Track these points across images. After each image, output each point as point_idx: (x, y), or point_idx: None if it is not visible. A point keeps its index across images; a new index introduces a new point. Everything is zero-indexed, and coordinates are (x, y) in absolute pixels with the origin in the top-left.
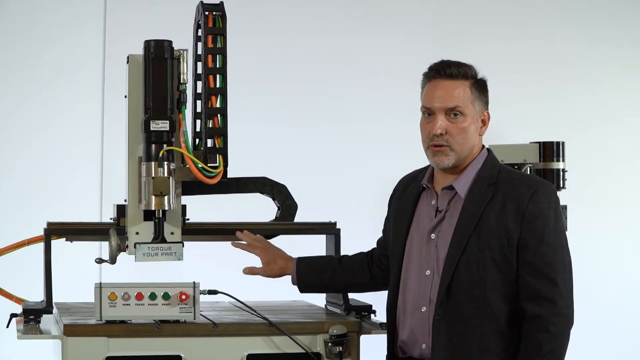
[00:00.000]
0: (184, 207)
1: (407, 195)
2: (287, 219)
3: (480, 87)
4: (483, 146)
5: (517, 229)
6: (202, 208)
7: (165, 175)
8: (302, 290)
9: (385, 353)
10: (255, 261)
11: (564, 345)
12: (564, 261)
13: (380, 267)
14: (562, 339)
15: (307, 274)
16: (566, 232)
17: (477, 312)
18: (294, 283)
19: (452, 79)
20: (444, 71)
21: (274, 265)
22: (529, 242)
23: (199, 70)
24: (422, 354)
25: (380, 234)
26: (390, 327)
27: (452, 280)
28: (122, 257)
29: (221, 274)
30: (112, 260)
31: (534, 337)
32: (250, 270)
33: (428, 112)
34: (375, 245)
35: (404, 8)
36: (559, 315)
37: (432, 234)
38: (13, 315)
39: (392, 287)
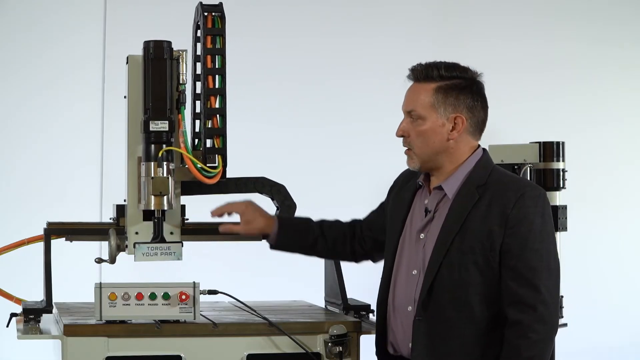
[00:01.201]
0: (183, 207)
1: (404, 192)
2: None
3: (448, 89)
4: (479, 146)
5: (501, 234)
6: (202, 208)
7: (165, 175)
8: (274, 249)
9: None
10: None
11: (544, 352)
12: (549, 267)
13: (363, 245)
14: (543, 345)
15: (288, 238)
16: (561, 232)
17: (459, 315)
18: (270, 242)
19: (418, 81)
20: (411, 74)
21: (255, 224)
22: (512, 247)
23: (198, 71)
24: (409, 353)
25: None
26: (380, 323)
27: (434, 282)
28: (121, 257)
29: (221, 274)
30: (112, 260)
31: (514, 343)
32: (228, 229)
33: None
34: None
35: (404, 8)
36: (540, 322)
37: (421, 234)
38: (13, 315)
39: (383, 284)
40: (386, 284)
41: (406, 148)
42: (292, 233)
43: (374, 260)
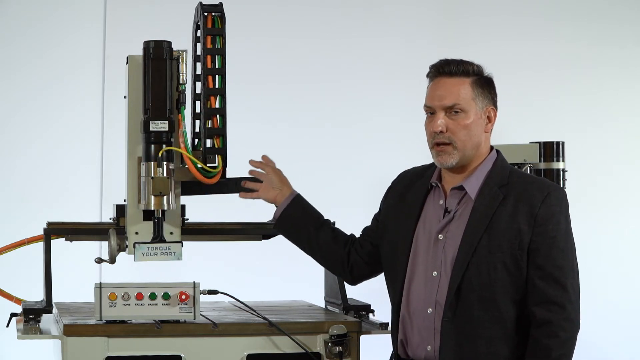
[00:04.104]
0: (183, 207)
1: (414, 193)
2: None
3: (483, 83)
4: (492, 147)
5: (529, 232)
6: (201, 208)
7: (165, 175)
8: (275, 227)
9: (391, 352)
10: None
11: (571, 351)
12: (573, 266)
13: (358, 251)
14: (571, 344)
15: (293, 215)
16: None
17: (486, 315)
18: (275, 216)
19: (452, 76)
20: (443, 69)
21: (271, 191)
22: (540, 246)
23: (198, 71)
24: (427, 356)
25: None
26: (395, 327)
27: (461, 282)
28: (121, 257)
29: (221, 274)
30: (112, 260)
31: (543, 343)
32: (244, 195)
33: (430, 111)
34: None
35: (404, 8)
36: (568, 321)
37: (440, 235)
38: (13, 315)
39: (398, 287)
40: (400, 287)
41: (443, 143)
42: (296, 216)
43: (369, 276)
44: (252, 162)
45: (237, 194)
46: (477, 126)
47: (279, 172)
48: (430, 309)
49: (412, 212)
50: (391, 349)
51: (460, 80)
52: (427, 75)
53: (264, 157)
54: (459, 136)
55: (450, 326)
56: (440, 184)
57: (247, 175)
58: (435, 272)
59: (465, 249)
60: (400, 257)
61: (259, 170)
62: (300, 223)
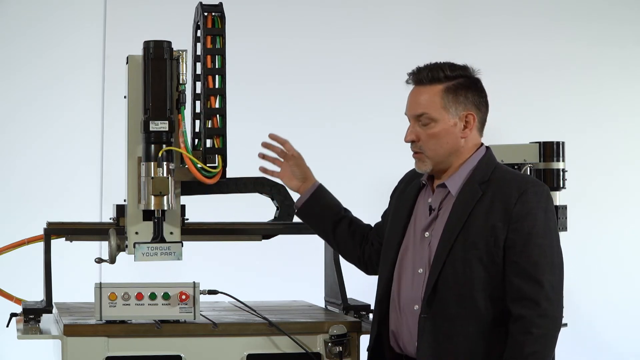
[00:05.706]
0: (183, 207)
1: (408, 191)
2: (285, 218)
3: (457, 88)
4: (482, 144)
5: (504, 229)
6: (202, 208)
7: (165, 175)
8: (297, 215)
9: (370, 347)
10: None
11: (548, 348)
12: (552, 262)
13: (370, 248)
14: (546, 341)
15: (313, 208)
16: (561, 232)
17: (464, 312)
18: (296, 206)
19: (422, 84)
20: (414, 77)
21: (294, 181)
22: (516, 243)
23: (198, 71)
24: (416, 352)
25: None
26: (380, 321)
27: (438, 279)
28: (122, 256)
29: (221, 274)
30: (112, 260)
31: (517, 339)
32: (265, 170)
33: (408, 119)
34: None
35: (404, 8)
36: (543, 317)
37: (426, 232)
38: (13, 315)
39: (382, 283)
40: (387, 283)
41: (415, 152)
42: (318, 209)
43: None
44: (271, 136)
45: (237, 194)
46: (448, 134)
47: (301, 161)
48: (417, 306)
49: (404, 210)
50: None
51: (429, 88)
52: (406, 82)
53: (286, 145)
54: (429, 145)
55: (427, 323)
56: (429, 183)
57: (247, 175)
58: (421, 270)
59: (443, 247)
60: (390, 254)
61: (273, 155)
62: (319, 217)
